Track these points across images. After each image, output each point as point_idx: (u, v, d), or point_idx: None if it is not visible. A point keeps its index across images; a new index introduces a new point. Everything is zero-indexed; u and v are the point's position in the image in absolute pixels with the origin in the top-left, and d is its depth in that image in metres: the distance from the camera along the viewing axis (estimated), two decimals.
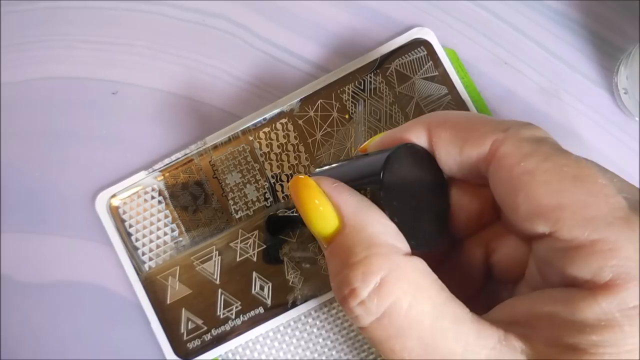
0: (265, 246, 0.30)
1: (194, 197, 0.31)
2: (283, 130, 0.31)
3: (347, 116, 0.31)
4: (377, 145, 0.24)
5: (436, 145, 0.22)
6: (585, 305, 0.18)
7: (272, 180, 0.31)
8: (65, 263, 0.31)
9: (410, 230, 0.21)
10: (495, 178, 0.21)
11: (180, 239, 0.31)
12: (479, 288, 0.24)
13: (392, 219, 0.21)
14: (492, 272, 0.24)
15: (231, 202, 0.31)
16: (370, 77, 0.31)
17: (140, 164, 0.32)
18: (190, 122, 0.32)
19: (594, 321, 0.18)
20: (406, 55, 0.31)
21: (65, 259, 0.31)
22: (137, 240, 0.31)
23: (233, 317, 0.30)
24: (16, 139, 0.32)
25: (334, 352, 0.30)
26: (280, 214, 0.30)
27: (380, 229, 0.20)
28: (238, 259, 0.30)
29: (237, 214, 0.31)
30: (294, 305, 0.30)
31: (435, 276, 0.20)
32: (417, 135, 0.23)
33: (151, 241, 0.31)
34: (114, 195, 0.31)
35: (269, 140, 0.31)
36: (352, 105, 0.31)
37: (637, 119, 0.30)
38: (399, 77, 0.31)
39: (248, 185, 0.31)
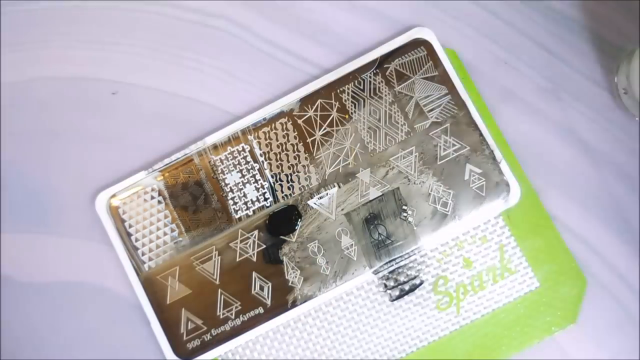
0: (265, 246, 0.30)
1: (194, 197, 0.31)
2: (283, 130, 0.31)
3: (346, 116, 0.31)
4: None
5: None
6: None
7: (272, 180, 0.31)
8: (65, 263, 0.31)
9: None
10: None
11: (180, 239, 0.31)
12: None
13: None
14: None
15: (231, 202, 0.31)
16: (370, 77, 0.31)
17: (140, 164, 0.32)
18: (190, 122, 0.32)
19: None
20: (406, 55, 0.31)
21: (65, 259, 0.31)
22: (137, 240, 0.31)
23: (233, 317, 0.30)
24: (16, 139, 0.32)
25: (334, 352, 0.30)
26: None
27: None
28: (238, 259, 0.30)
29: (236, 214, 0.31)
30: (294, 305, 0.30)
31: None
32: None
33: (151, 241, 0.31)
34: (114, 195, 0.31)
35: (269, 140, 0.31)
36: (351, 105, 0.31)
37: (637, 119, 0.30)
38: (399, 76, 0.31)
39: (248, 185, 0.31)
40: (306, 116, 0.31)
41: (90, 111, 0.32)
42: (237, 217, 0.31)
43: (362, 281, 0.30)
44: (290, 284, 0.30)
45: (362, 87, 0.31)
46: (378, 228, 0.30)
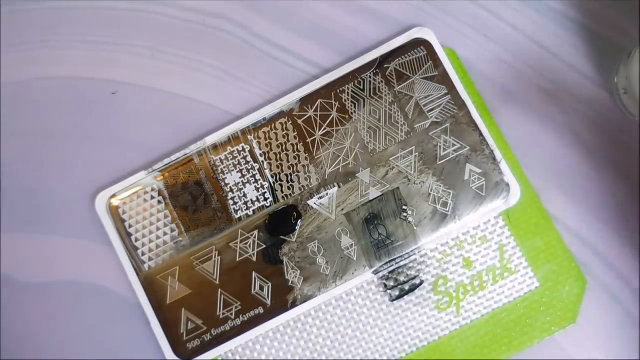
0: (265, 246, 0.30)
1: (193, 197, 0.31)
2: (283, 130, 0.31)
3: (346, 116, 0.31)
4: None
5: None
6: None
7: (272, 180, 0.31)
8: (65, 263, 0.31)
9: None
10: None
11: (180, 239, 0.31)
12: None
13: None
14: None
15: (231, 202, 0.31)
16: (370, 77, 0.31)
17: (140, 164, 0.32)
18: (190, 122, 0.32)
19: None
20: (406, 55, 0.31)
21: (65, 259, 0.31)
22: (137, 240, 0.31)
23: (233, 317, 0.30)
24: (16, 139, 0.32)
25: (334, 352, 0.30)
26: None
27: None
28: (238, 259, 0.30)
29: (236, 214, 0.31)
30: (294, 305, 0.30)
31: None
32: None
33: (151, 241, 0.31)
34: (114, 195, 0.31)
35: (269, 140, 0.31)
36: (351, 105, 0.31)
37: (637, 119, 0.30)
38: (399, 76, 0.31)
39: (248, 185, 0.31)
40: (306, 116, 0.31)
41: (90, 111, 0.32)
42: (237, 217, 0.31)
43: (362, 281, 0.30)
44: (290, 284, 0.30)
45: (362, 87, 0.31)
46: (378, 228, 0.30)
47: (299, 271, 0.30)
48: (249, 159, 0.31)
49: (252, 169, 0.31)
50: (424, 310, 0.30)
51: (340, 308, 0.30)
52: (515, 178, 0.30)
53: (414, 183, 0.30)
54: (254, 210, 0.31)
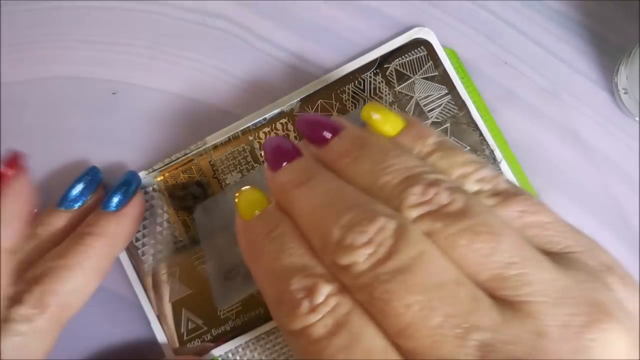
0: None
1: (194, 197, 0.31)
2: (283, 130, 0.31)
3: None
4: None
5: None
6: None
7: None
8: None
9: None
10: None
11: (181, 239, 0.31)
12: None
13: None
14: None
15: None
16: (370, 77, 0.31)
17: (140, 164, 0.32)
18: (190, 122, 0.32)
19: None
20: (406, 55, 0.31)
21: None
22: (137, 240, 0.31)
23: (233, 317, 0.30)
24: (16, 139, 0.32)
25: None
26: None
27: None
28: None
29: None
30: None
31: None
32: None
33: (151, 241, 0.31)
34: None
35: None
36: (352, 105, 0.31)
37: (637, 119, 0.30)
38: (399, 76, 0.31)
39: None
40: None
41: (90, 111, 0.32)
42: None
43: None
44: None
45: (362, 87, 0.31)
46: None
47: None
48: (249, 159, 0.31)
49: (252, 169, 0.31)
50: None
51: None
52: (515, 178, 0.30)
53: None
54: None
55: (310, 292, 0.20)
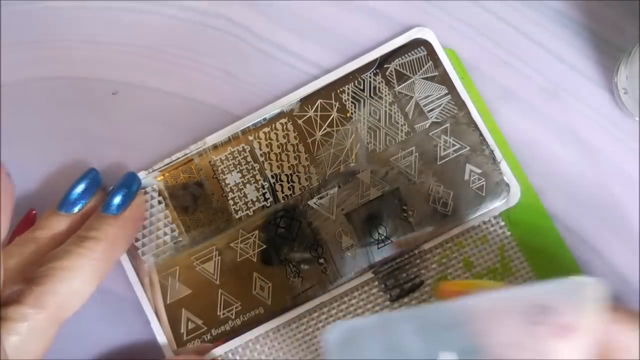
0: (265, 246, 0.30)
1: (194, 197, 0.31)
2: (283, 130, 0.31)
3: (347, 116, 0.31)
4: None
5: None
6: None
7: (272, 180, 0.31)
8: None
9: None
10: None
11: (180, 239, 0.31)
12: None
13: None
14: None
15: (231, 202, 0.31)
16: (370, 77, 0.31)
17: (140, 164, 0.32)
18: (190, 122, 0.32)
19: None
20: (406, 55, 0.31)
21: None
22: (137, 240, 0.31)
23: (233, 317, 0.30)
24: (16, 139, 0.32)
25: None
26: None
27: None
28: (238, 259, 0.30)
29: (237, 214, 0.31)
30: (294, 305, 0.30)
31: None
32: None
33: (151, 241, 0.31)
34: None
35: (269, 140, 0.31)
36: (352, 105, 0.31)
37: (637, 119, 0.30)
38: (399, 77, 0.31)
39: (248, 185, 0.31)
40: (306, 116, 0.31)
41: (90, 111, 0.32)
42: (237, 217, 0.31)
43: (362, 281, 0.30)
44: (290, 284, 0.30)
45: (362, 87, 0.31)
46: (378, 228, 0.30)
47: (299, 271, 0.30)
48: (249, 159, 0.31)
49: (252, 169, 0.31)
50: None
51: (340, 308, 0.30)
52: (515, 178, 0.30)
53: (414, 183, 0.30)
54: (254, 211, 0.31)
55: None
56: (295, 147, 0.31)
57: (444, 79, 0.31)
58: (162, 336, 0.30)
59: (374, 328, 0.21)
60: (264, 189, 0.31)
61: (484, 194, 0.30)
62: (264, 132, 0.31)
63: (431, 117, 0.31)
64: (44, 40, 0.33)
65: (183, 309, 0.30)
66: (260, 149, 0.31)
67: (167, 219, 0.31)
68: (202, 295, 0.30)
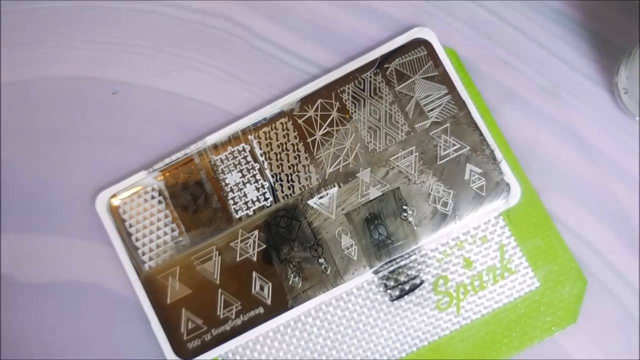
0: (265, 246, 0.30)
1: (194, 197, 0.31)
2: (283, 130, 0.31)
3: (347, 116, 0.31)
4: None
5: None
6: None
7: (272, 180, 0.31)
8: (65, 263, 0.31)
9: None
10: None
11: (180, 238, 0.31)
12: None
13: None
14: None
15: (231, 202, 0.31)
16: (370, 77, 0.31)
17: (140, 164, 0.32)
18: (190, 122, 0.32)
19: None
20: (406, 55, 0.31)
21: (65, 259, 0.31)
22: (137, 240, 0.31)
23: (233, 317, 0.30)
24: (16, 139, 0.32)
25: (334, 352, 0.30)
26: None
27: None
28: (238, 259, 0.30)
29: (237, 213, 0.31)
30: (294, 305, 0.30)
31: None
32: None
33: (151, 241, 0.31)
34: (114, 195, 0.31)
35: (269, 140, 0.31)
36: (352, 105, 0.31)
37: (637, 119, 0.30)
38: (399, 76, 0.31)
39: (248, 185, 0.31)
40: (306, 116, 0.31)
41: (90, 111, 0.32)
42: (237, 217, 0.31)
43: (362, 281, 0.30)
44: (290, 284, 0.30)
45: (362, 87, 0.31)
46: (378, 228, 0.30)
47: (299, 271, 0.30)
48: (249, 158, 0.31)
49: (252, 168, 0.31)
50: (424, 310, 0.30)
51: (340, 308, 0.30)
52: (515, 178, 0.30)
53: (414, 183, 0.30)
54: (254, 210, 0.31)
55: None
56: (295, 147, 0.31)
57: (444, 79, 0.31)
58: (162, 336, 0.30)
59: None
60: (264, 188, 0.31)
61: (484, 194, 0.30)
62: (264, 132, 0.31)
63: (431, 117, 0.31)
64: (44, 40, 0.33)
65: (183, 309, 0.30)
66: (260, 149, 0.31)
67: (167, 218, 0.31)
68: (202, 295, 0.30)
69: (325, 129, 0.31)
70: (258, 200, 0.31)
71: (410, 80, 0.31)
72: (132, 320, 0.31)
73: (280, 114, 0.31)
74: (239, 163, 0.31)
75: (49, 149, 0.32)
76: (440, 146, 0.30)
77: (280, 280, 0.30)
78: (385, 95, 0.31)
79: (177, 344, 0.30)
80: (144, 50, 0.33)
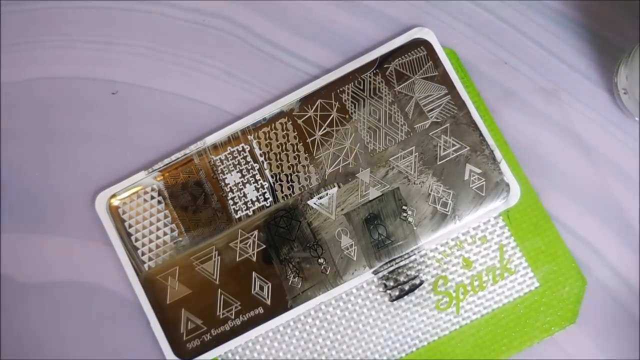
0: (264, 246, 0.30)
1: (193, 197, 0.31)
2: (282, 130, 0.31)
3: (346, 116, 0.31)
4: None
5: None
6: None
7: (272, 180, 0.31)
8: (65, 263, 0.31)
9: None
10: None
11: (180, 239, 0.31)
12: None
13: None
14: None
15: (231, 202, 0.31)
16: (370, 77, 0.31)
17: (140, 164, 0.32)
18: (190, 122, 0.32)
19: None
20: (406, 55, 0.31)
21: (65, 259, 0.31)
22: (136, 240, 0.31)
23: (233, 317, 0.30)
24: (16, 139, 0.32)
25: (333, 352, 0.30)
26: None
27: None
28: (238, 259, 0.30)
29: (236, 214, 0.31)
30: (294, 305, 0.30)
31: None
32: None
33: (151, 241, 0.31)
34: (113, 195, 0.31)
35: (269, 140, 0.31)
36: (351, 105, 0.31)
37: (637, 119, 0.30)
38: (399, 76, 0.31)
39: (248, 185, 0.31)
40: (306, 116, 0.31)
41: (90, 111, 0.32)
42: (237, 217, 0.31)
43: (362, 281, 0.30)
44: (290, 284, 0.30)
45: (362, 87, 0.31)
46: (378, 228, 0.30)
47: (298, 271, 0.30)
48: (248, 159, 0.31)
49: (252, 169, 0.31)
50: (424, 310, 0.30)
51: (340, 308, 0.30)
52: (515, 178, 0.30)
53: (414, 183, 0.30)
54: (253, 210, 0.31)
55: None
56: (295, 147, 0.31)
57: (444, 79, 0.31)
58: (161, 336, 0.30)
59: None
60: (263, 188, 0.31)
61: (484, 194, 0.30)
62: (264, 132, 0.31)
63: (431, 117, 0.31)
64: (44, 40, 0.33)
65: (183, 309, 0.30)
66: (260, 149, 0.31)
67: (167, 219, 0.31)
68: (202, 295, 0.30)
69: (324, 129, 0.31)
70: (258, 200, 0.31)
71: (410, 81, 0.31)
72: (131, 321, 0.31)
73: (280, 114, 0.31)
74: (239, 163, 0.31)
75: (49, 149, 0.32)
76: (440, 146, 0.30)
77: (280, 280, 0.30)
78: (385, 95, 0.31)
79: (176, 344, 0.30)
80: (144, 50, 0.33)
